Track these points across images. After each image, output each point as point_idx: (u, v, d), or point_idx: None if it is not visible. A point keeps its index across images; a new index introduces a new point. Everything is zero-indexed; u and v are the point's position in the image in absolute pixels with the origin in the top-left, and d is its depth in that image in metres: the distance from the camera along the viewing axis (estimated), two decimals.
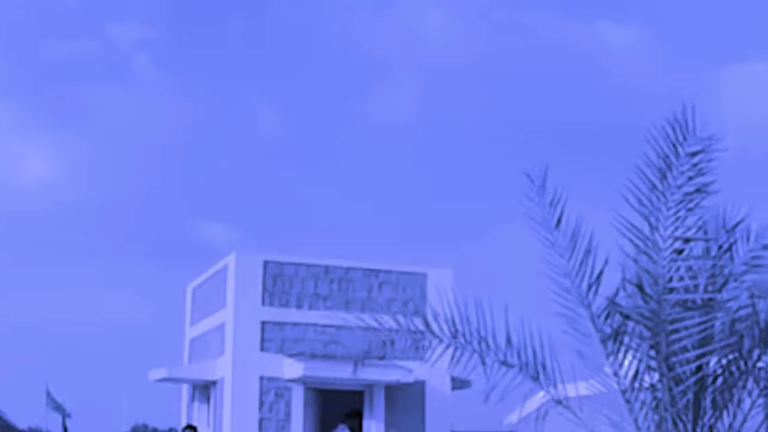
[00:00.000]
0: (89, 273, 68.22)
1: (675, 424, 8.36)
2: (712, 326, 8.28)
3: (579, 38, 62.75)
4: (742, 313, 8.42)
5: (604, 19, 67.68)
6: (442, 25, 63.32)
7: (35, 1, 63.11)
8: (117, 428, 34.16)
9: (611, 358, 8.61)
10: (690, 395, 8.35)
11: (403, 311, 20.96)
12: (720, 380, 8.48)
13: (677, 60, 64.52)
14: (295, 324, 21.07)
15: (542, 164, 8.98)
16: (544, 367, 8.85)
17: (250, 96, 67.28)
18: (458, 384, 21.45)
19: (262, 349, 20.85)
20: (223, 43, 64.91)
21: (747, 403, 8.57)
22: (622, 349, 8.57)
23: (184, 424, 23.29)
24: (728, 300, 8.42)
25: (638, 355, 8.48)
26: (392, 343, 9.09)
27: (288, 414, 20.71)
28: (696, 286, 8.32)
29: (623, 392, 8.59)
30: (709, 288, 8.34)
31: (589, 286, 8.72)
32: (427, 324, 9.00)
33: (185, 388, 24.36)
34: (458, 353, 8.93)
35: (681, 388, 8.29)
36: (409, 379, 20.12)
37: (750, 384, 8.53)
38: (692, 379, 8.29)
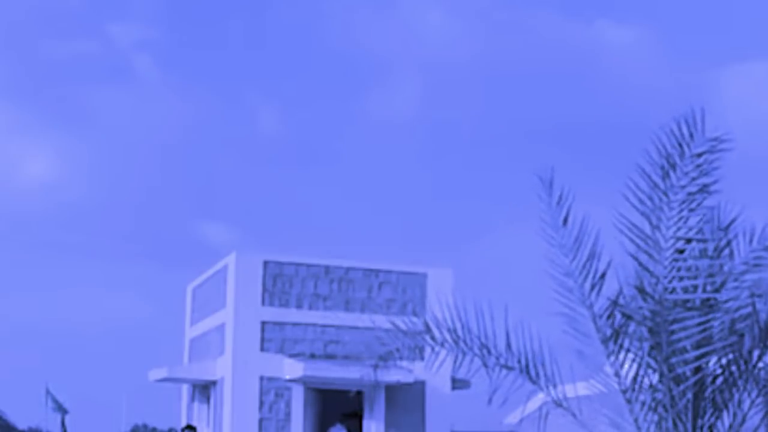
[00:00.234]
0: (89, 273, 68.20)
1: (675, 424, 8.37)
2: (712, 326, 8.28)
3: (579, 38, 62.76)
4: (742, 312, 8.42)
5: (604, 18, 67.69)
6: (442, 25, 63.33)
7: (35, 1, 63.12)
8: (117, 428, 34.18)
9: (612, 358, 8.61)
10: (690, 395, 8.35)
11: (402, 311, 20.97)
12: (720, 380, 8.48)
13: (677, 60, 64.54)
14: (295, 324, 21.08)
15: (550, 163, 8.96)
16: (543, 368, 8.85)
17: (250, 96, 67.30)
18: (458, 384, 21.46)
19: (262, 349, 20.86)
20: (223, 43, 64.94)
21: (747, 403, 8.57)
22: (623, 349, 8.58)
23: (184, 424, 23.30)
24: (728, 300, 8.42)
25: (639, 355, 8.49)
26: (397, 350, 9.10)
27: (288, 414, 20.72)
28: (696, 287, 8.32)
29: (624, 392, 8.59)
30: (709, 288, 8.34)
31: (592, 286, 8.72)
32: (428, 329, 9.01)
33: (185, 388, 24.37)
34: (459, 358, 8.93)
35: (681, 388, 8.29)
36: (409, 379, 20.12)
37: (750, 384, 8.54)
38: (692, 380, 8.29)
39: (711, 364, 8.45)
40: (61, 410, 29.49)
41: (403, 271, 21.71)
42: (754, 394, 8.58)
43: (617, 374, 8.62)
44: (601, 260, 8.71)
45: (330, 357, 20.90)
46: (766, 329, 8.40)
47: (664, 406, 8.41)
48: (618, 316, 8.59)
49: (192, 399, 23.70)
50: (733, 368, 8.46)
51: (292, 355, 20.74)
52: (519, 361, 8.85)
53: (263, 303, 20.98)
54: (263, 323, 20.92)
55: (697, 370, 8.34)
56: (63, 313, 63.27)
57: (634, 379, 8.55)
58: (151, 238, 66.08)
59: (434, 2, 64.16)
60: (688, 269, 8.34)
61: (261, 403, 20.66)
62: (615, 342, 8.60)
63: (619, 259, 8.56)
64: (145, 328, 58.53)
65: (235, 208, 64.28)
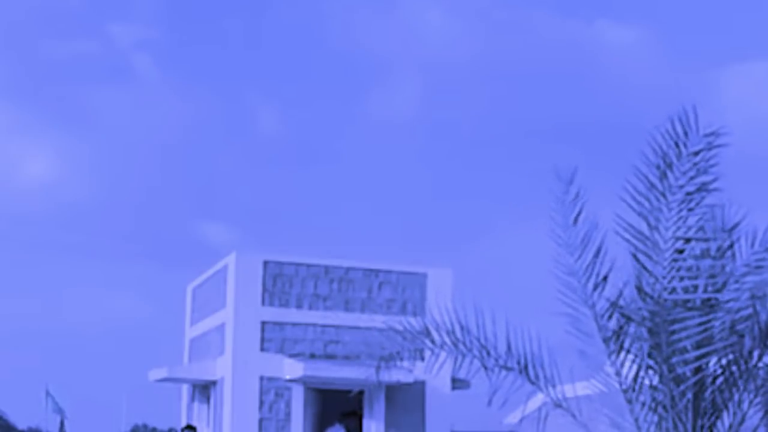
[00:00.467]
0: (89, 273, 68.18)
1: (675, 424, 8.37)
2: (712, 327, 8.28)
3: (579, 38, 62.72)
4: (743, 313, 8.42)
5: (604, 18, 67.66)
6: (442, 25, 63.30)
7: (35, 1, 63.11)
8: (117, 428, 34.18)
9: (613, 358, 8.62)
10: (690, 395, 8.35)
11: (402, 311, 20.97)
12: (720, 380, 8.48)
13: (677, 60, 64.47)
14: (295, 324, 21.07)
15: (555, 163, 8.95)
16: (543, 369, 8.85)
17: (250, 96, 67.28)
18: (458, 384, 21.45)
19: (262, 349, 20.86)
20: (223, 43, 64.90)
21: (746, 403, 8.58)
22: (624, 349, 8.58)
23: (184, 424, 23.30)
24: (728, 301, 8.42)
25: (639, 355, 8.49)
26: (397, 353, 9.11)
27: (288, 414, 20.72)
28: (696, 287, 8.32)
29: (625, 392, 8.60)
30: (709, 288, 8.34)
31: (595, 286, 8.72)
32: (428, 332, 9.01)
33: (185, 388, 24.37)
34: (459, 360, 8.94)
35: (681, 388, 8.29)
36: (409, 379, 20.11)
37: (749, 384, 8.54)
38: (692, 380, 8.29)
39: (711, 364, 8.46)
40: (60, 411, 29.50)
41: (403, 271, 21.70)
42: (752, 395, 8.59)
43: (618, 374, 8.62)
44: (606, 260, 8.71)
45: (330, 357, 20.90)
46: (766, 330, 8.40)
47: (664, 407, 8.41)
48: (619, 316, 8.59)
49: (192, 399, 23.70)
50: (734, 368, 8.47)
51: (292, 355, 20.74)
52: (518, 362, 8.85)
53: (263, 303, 20.97)
54: (263, 323, 20.92)
55: (698, 370, 8.34)
56: (63, 313, 63.30)
57: (635, 379, 8.55)
58: (151, 238, 66.08)
59: (434, 2, 64.17)
60: (688, 269, 8.34)
61: (261, 403, 20.66)
62: (616, 342, 8.61)
63: (622, 259, 8.57)
64: (145, 328, 58.53)
65: (235, 208, 64.26)
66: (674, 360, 8.26)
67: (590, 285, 8.73)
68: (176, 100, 66.78)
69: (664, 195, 8.31)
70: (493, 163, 62.80)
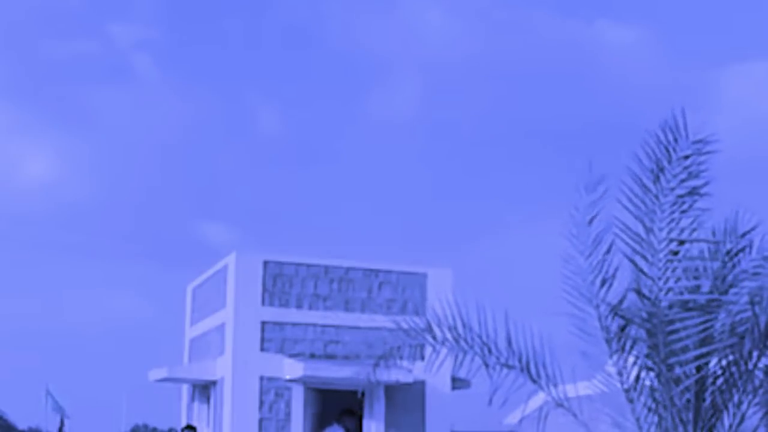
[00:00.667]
0: (89, 273, 68.22)
1: (675, 424, 8.37)
2: (711, 327, 8.29)
3: (579, 38, 62.74)
4: (743, 315, 8.43)
5: (604, 18, 67.68)
6: (442, 25, 63.32)
7: (35, 1, 63.11)
8: (117, 428, 34.21)
9: (615, 358, 8.63)
10: (689, 396, 8.35)
11: (403, 311, 20.97)
12: (720, 381, 8.49)
13: (677, 60, 64.52)
14: (295, 324, 21.07)
15: (596, 162, 8.93)
16: (544, 368, 8.86)
17: (250, 96, 67.30)
18: (458, 384, 21.45)
19: (262, 349, 20.85)
20: (223, 43, 64.90)
21: (746, 404, 8.58)
22: (627, 348, 8.59)
23: (184, 424, 23.30)
24: (727, 302, 8.43)
25: (640, 356, 8.50)
26: (398, 349, 9.11)
27: (288, 414, 20.72)
28: (697, 287, 8.34)
29: (626, 392, 8.60)
30: (706, 290, 8.36)
31: (603, 282, 8.73)
32: (430, 328, 9.02)
33: (185, 388, 24.37)
34: (460, 356, 8.94)
35: (680, 388, 8.30)
36: (409, 379, 20.11)
37: (749, 385, 8.54)
38: (690, 380, 8.29)
39: (711, 365, 8.46)
40: (61, 410, 29.49)
41: (403, 271, 21.69)
42: (752, 396, 8.59)
43: (620, 374, 8.63)
44: (614, 260, 8.72)
45: (330, 357, 20.89)
46: (765, 332, 8.41)
47: (664, 407, 8.42)
48: (626, 318, 8.61)
49: (192, 399, 23.70)
50: (733, 369, 8.47)
51: (292, 355, 20.73)
52: (520, 360, 8.86)
53: (263, 303, 20.97)
54: (263, 323, 20.91)
55: (697, 370, 8.35)
56: (63, 313, 63.33)
57: (636, 379, 8.56)
58: (151, 238, 66.12)
59: (434, 2, 64.17)
60: (684, 270, 8.37)
61: (261, 403, 20.66)
62: (618, 342, 8.62)
63: (624, 260, 8.59)
64: (145, 328, 58.57)
65: (235, 208, 64.29)
66: (671, 361, 8.27)
67: (597, 284, 8.74)
68: (176, 100, 66.82)
69: (657, 197, 8.35)
70: (493, 163, 62.85)
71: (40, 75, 64.41)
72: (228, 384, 20.83)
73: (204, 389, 22.83)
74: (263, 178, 65.64)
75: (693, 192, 8.33)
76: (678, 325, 8.21)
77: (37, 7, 62.83)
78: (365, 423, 20.85)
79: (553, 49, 59.60)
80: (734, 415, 8.56)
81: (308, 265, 21.38)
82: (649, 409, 8.52)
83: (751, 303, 8.38)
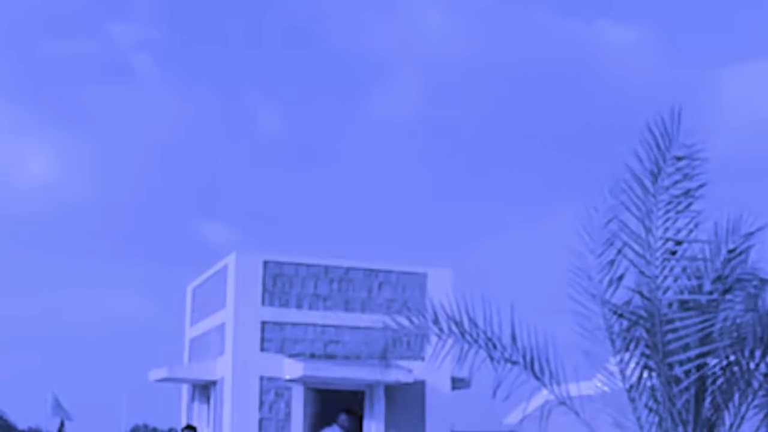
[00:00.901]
0: (89, 273, 68.22)
1: (675, 424, 8.37)
2: (711, 326, 8.29)
3: (579, 38, 62.75)
4: (744, 315, 8.43)
5: (604, 18, 67.67)
6: (442, 25, 63.32)
7: (35, 1, 63.11)
8: (117, 428, 34.17)
9: (618, 357, 8.63)
10: (689, 395, 8.35)
11: (403, 311, 20.94)
12: (720, 381, 8.49)
13: (677, 60, 64.53)
14: (295, 324, 21.07)
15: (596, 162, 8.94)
16: (548, 364, 8.87)
17: (250, 96, 67.29)
18: (458, 384, 21.46)
19: (262, 349, 20.85)
20: (223, 43, 64.90)
21: (746, 405, 8.58)
22: (631, 348, 8.60)
23: (184, 424, 23.30)
24: (726, 302, 8.43)
25: (640, 355, 8.50)
26: (408, 342, 9.12)
27: (288, 414, 20.72)
28: (698, 287, 8.34)
29: (628, 391, 8.61)
30: (707, 290, 8.37)
31: (610, 282, 8.73)
32: (437, 319, 9.03)
33: (185, 388, 24.36)
34: (465, 349, 8.94)
35: (680, 387, 8.30)
36: (409, 379, 20.12)
37: (750, 386, 8.54)
38: (690, 379, 8.29)
39: (711, 364, 8.46)
40: (64, 413, 29.47)
41: (403, 271, 21.70)
42: (753, 396, 8.59)
43: (622, 373, 8.63)
44: (624, 261, 8.72)
45: (330, 357, 20.89)
46: (766, 331, 8.41)
47: (664, 406, 8.42)
48: (625, 316, 8.61)
49: (192, 399, 23.69)
50: (735, 369, 8.47)
51: (292, 355, 20.73)
52: (524, 357, 8.87)
53: (263, 303, 20.97)
54: (263, 323, 20.91)
55: (697, 369, 8.35)
56: (63, 313, 63.32)
57: (638, 378, 8.56)
58: (151, 238, 66.11)
59: (434, 2, 64.17)
60: (682, 269, 8.38)
61: (261, 403, 20.66)
62: (622, 341, 8.63)
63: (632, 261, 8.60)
64: (145, 328, 58.57)
65: (235, 208, 64.29)
66: (671, 360, 8.28)
67: (605, 284, 8.74)
68: (176, 100, 66.82)
69: (654, 197, 8.37)
70: (493, 163, 62.85)
71: (40, 75, 64.44)
72: (228, 384, 20.83)
73: (204, 389, 22.83)
74: (263, 178, 65.67)
75: (688, 193, 8.35)
76: (677, 324, 8.21)
77: (37, 7, 62.86)
78: (365, 423, 20.85)
79: (553, 49, 59.62)
80: (735, 415, 8.56)
81: (308, 265, 21.38)
82: (650, 409, 8.52)
83: (753, 303, 8.38)
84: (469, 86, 62.54)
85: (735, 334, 8.38)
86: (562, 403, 8.87)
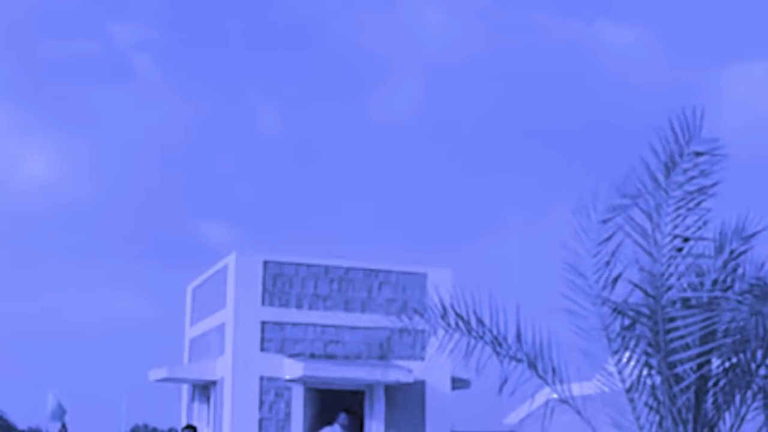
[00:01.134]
0: (89, 273, 68.22)
1: (675, 423, 8.36)
2: (713, 325, 8.27)
3: (579, 38, 62.77)
4: (745, 315, 8.41)
5: (605, 18, 67.71)
6: (442, 25, 63.35)
7: (35, 1, 63.12)
8: (117, 428, 34.17)
9: (617, 357, 8.63)
10: (690, 395, 8.34)
11: (403, 311, 20.93)
12: (722, 381, 8.47)
13: (677, 60, 64.55)
14: (295, 324, 21.07)
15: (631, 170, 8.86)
16: (552, 363, 8.87)
17: (250, 96, 67.31)
18: (458, 384, 21.45)
19: (262, 349, 20.85)
20: (223, 42, 64.94)
21: (746, 406, 8.57)
22: (630, 347, 8.59)
23: (184, 424, 23.30)
24: (731, 302, 8.41)
25: (641, 354, 8.49)
26: (412, 339, 9.15)
27: (288, 414, 20.71)
28: (700, 285, 8.32)
29: (627, 391, 8.60)
30: (708, 288, 8.35)
31: (605, 285, 8.72)
32: (445, 314, 9.03)
33: (185, 388, 24.36)
34: (471, 344, 8.95)
35: (680, 386, 8.29)
36: (409, 379, 20.11)
37: (752, 386, 8.53)
38: (692, 378, 8.28)
39: (713, 364, 8.45)
40: (62, 417, 29.44)
41: (403, 271, 21.69)
42: (756, 396, 8.58)
43: (621, 373, 8.62)
44: (622, 260, 8.71)
45: (330, 357, 20.89)
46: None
47: (664, 406, 8.41)
48: (626, 314, 8.60)
49: (192, 399, 23.69)
50: (737, 369, 8.46)
51: (292, 355, 20.73)
52: (528, 355, 8.87)
53: (263, 303, 20.96)
54: (263, 323, 20.90)
55: (698, 368, 8.34)
56: (63, 313, 63.31)
57: (638, 377, 8.55)
58: (151, 238, 66.12)
59: (434, 2, 64.19)
60: (687, 267, 8.36)
61: (261, 403, 20.65)
62: (621, 341, 8.62)
63: (631, 259, 8.58)
64: (145, 328, 58.56)
65: (235, 208, 64.31)
66: (672, 359, 8.26)
67: (602, 283, 8.74)
68: (176, 100, 66.84)
69: (666, 192, 8.33)
70: (493, 163, 62.87)
71: (40, 75, 64.46)
72: (228, 384, 20.82)
73: (204, 389, 22.82)
74: (263, 178, 65.68)
75: (702, 190, 8.31)
76: (679, 322, 8.20)
77: (37, 7, 62.87)
78: (365, 423, 20.84)
79: (553, 49, 59.64)
80: (736, 416, 8.55)
81: (308, 265, 21.37)
82: (650, 409, 8.51)
83: (758, 308, 8.36)
84: (469, 86, 62.58)
85: (738, 336, 8.36)
86: (565, 401, 8.87)
